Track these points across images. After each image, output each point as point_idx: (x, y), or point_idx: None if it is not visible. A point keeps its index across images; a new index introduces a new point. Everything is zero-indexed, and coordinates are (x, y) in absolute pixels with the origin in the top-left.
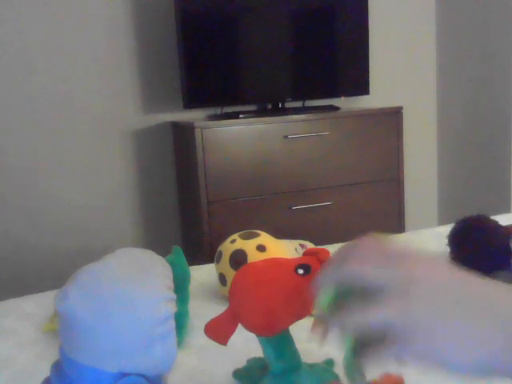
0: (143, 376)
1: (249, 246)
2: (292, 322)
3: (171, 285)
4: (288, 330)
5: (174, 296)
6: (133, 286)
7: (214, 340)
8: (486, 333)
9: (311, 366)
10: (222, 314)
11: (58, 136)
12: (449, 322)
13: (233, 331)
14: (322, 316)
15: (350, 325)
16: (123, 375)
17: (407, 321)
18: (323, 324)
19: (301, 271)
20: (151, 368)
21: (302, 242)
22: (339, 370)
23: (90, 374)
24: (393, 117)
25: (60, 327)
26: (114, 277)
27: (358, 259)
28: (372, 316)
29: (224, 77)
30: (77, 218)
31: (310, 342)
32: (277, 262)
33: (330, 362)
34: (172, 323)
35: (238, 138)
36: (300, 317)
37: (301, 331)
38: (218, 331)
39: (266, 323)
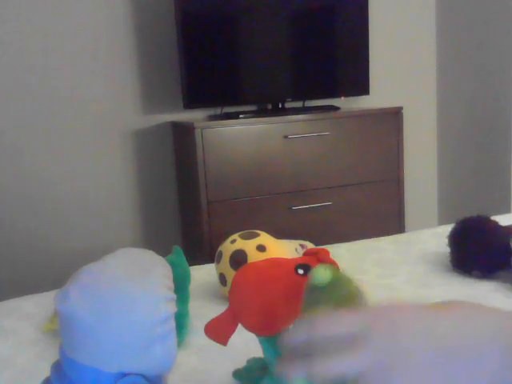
0: (143, 376)
1: (249, 246)
2: (292, 322)
3: (171, 285)
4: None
5: (174, 296)
6: (133, 286)
7: (214, 340)
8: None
9: None
10: (222, 314)
11: (58, 136)
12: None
13: (233, 331)
14: None
15: None
16: (123, 375)
17: None
18: None
19: (301, 271)
20: (151, 368)
21: (302, 242)
22: None
23: (90, 374)
24: (393, 117)
25: (60, 327)
26: (114, 277)
27: (323, 353)
28: None
29: (224, 77)
30: (76, 217)
31: None
32: (277, 262)
33: None
34: (172, 323)
35: (238, 138)
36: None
37: None
38: (218, 331)
39: (266, 323)
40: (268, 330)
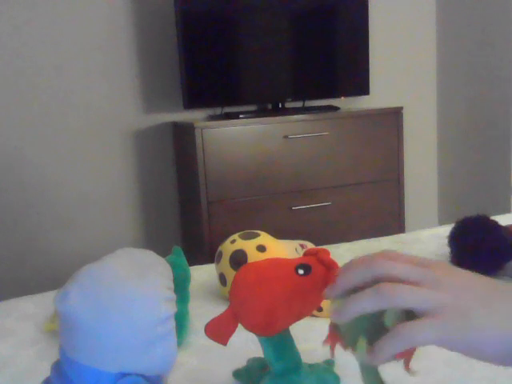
0: (143, 376)
1: (249, 246)
2: (292, 322)
3: (171, 285)
4: (288, 330)
5: (174, 296)
6: (133, 287)
7: (214, 340)
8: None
9: (311, 366)
10: (222, 313)
11: (58, 136)
12: (486, 304)
13: (233, 331)
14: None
15: (390, 299)
16: (123, 375)
17: (447, 301)
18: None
19: (301, 271)
20: (151, 368)
21: (302, 242)
22: (339, 369)
23: (90, 375)
24: (393, 117)
25: (60, 327)
26: (114, 277)
27: (392, 284)
28: (413, 295)
29: (224, 77)
30: (77, 217)
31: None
32: (277, 262)
33: (330, 362)
34: (172, 323)
35: (238, 138)
36: (300, 317)
37: (301, 331)
38: (218, 331)
39: (266, 323)
40: (268, 329)
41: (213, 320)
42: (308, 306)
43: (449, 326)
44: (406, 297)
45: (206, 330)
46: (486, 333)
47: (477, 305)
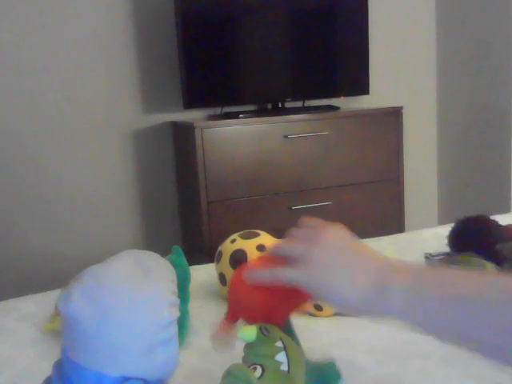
0: (144, 381)
1: (249, 245)
2: (288, 316)
3: (175, 289)
4: (290, 324)
5: (178, 301)
6: (136, 291)
7: (222, 349)
8: (357, 275)
9: (312, 362)
10: (222, 321)
11: (58, 136)
12: (335, 264)
13: (234, 334)
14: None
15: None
16: (125, 379)
17: (309, 255)
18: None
19: None
20: (153, 373)
21: None
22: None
23: (92, 377)
24: (393, 117)
25: (63, 329)
26: (117, 280)
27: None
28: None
29: (224, 77)
30: (76, 217)
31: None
32: (273, 260)
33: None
34: (175, 329)
35: (237, 138)
36: (297, 309)
37: (301, 331)
38: (223, 339)
39: (265, 319)
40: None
41: (217, 329)
42: (304, 299)
43: (311, 275)
44: (285, 275)
45: (212, 342)
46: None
47: (335, 276)
